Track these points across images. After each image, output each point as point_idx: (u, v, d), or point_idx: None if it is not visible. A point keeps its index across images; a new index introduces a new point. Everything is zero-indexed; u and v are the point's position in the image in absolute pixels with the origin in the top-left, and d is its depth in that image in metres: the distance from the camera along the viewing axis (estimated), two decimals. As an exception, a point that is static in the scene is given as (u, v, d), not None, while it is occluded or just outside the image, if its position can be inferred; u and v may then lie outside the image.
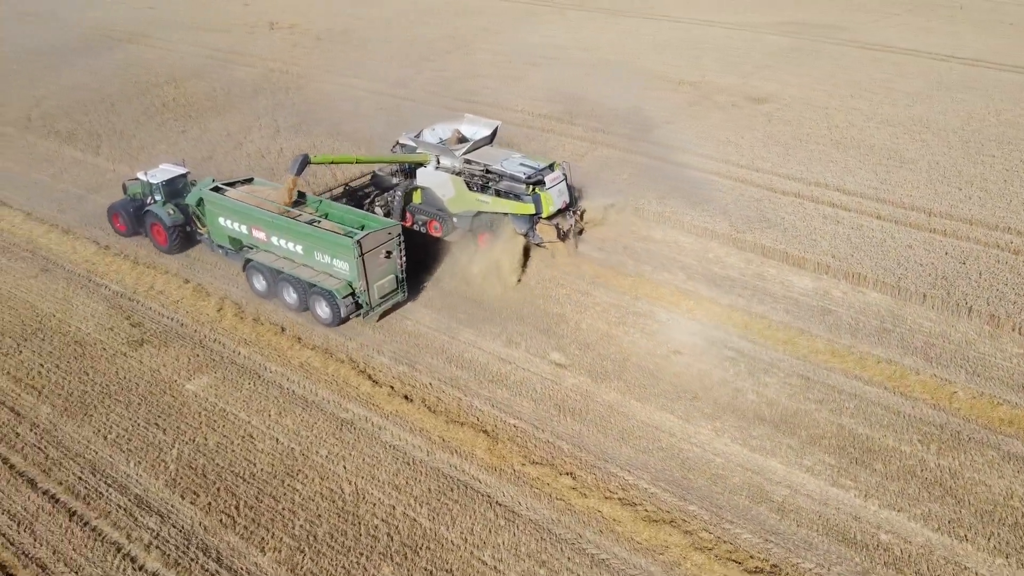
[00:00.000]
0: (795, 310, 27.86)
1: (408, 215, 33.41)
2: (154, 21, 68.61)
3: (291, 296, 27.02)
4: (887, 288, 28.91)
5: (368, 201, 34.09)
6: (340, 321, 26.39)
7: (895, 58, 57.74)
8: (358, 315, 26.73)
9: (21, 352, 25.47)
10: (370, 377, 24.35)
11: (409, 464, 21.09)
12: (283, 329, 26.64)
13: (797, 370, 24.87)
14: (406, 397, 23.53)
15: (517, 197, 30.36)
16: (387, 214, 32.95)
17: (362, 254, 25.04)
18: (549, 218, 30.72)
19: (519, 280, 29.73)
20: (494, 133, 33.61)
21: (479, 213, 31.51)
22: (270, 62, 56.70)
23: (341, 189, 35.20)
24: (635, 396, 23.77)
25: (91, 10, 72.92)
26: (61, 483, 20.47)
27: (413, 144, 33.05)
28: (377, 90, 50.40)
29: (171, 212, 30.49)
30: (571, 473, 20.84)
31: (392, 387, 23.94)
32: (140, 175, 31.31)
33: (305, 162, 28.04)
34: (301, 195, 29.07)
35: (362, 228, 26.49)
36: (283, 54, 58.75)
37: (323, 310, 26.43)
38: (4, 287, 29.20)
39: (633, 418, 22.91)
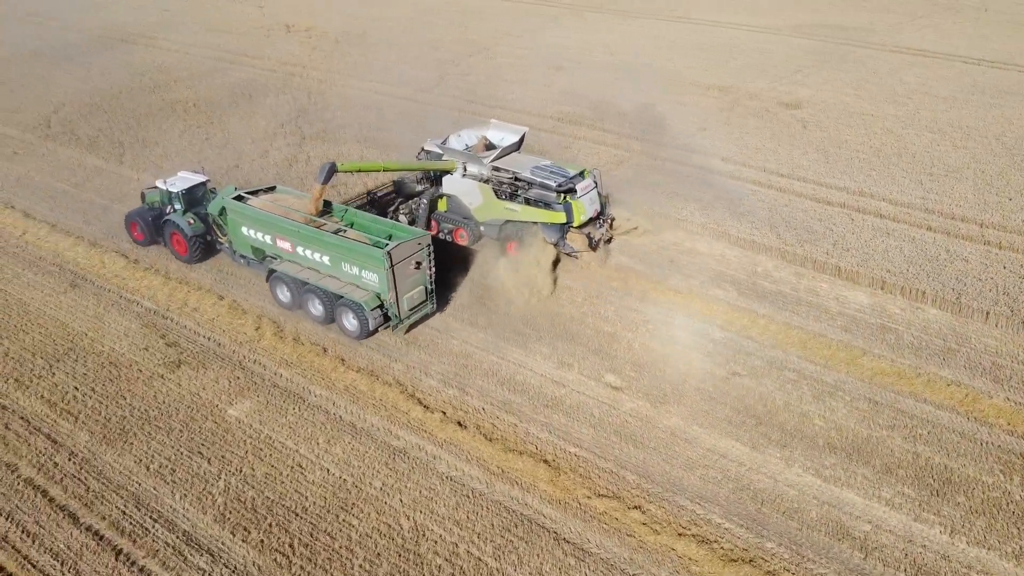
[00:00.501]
0: (853, 328, 26.83)
1: (433, 223, 32.56)
2: (167, 23, 67.63)
3: (317, 308, 26.24)
4: (947, 304, 27.88)
5: (392, 209, 33.26)
6: (368, 333, 25.52)
7: (925, 61, 56.68)
8: (386, 327, 25.95)
9: (54, 374, 24.48)
10: (420, 402, 23.34)
11: (468, 497, 20.08)
12: (325, 350, 25.63)
13: (863, 393, 23.84)
14: (459, 423, 22.52)
15: (548, 206, 29.46)
16: (411, 222, 32.17)
17: (392, 265, 24.28)
18: (580, 227, 29.88)
19: (551, 292, 28.87)
20: (522, 139, 32.72)
21: (507, 221, 30.66)
22: (290, 66, 55.70)
23: (365, 197, 34.19)
24: (697, 421, 22.76)
25: (100, 11, 71.93)
26: (104, 517, 19.48)
27: (439, 151, 32.12)
28: (400, 95, 49.37)
29: (191, 221, 29.68)
30: (639, 507, 19.83)
31: (444, 412, 22.93)
32: (159, 183, 30.51)
33: (332, 170, 27.09)
34: (327, 204, 28.24)
35: (390, 238, 25.68)
36: (302, 58, 57.76)
37: (350, 322, 25.58)
38: (33, 304, 28.22)
39: (698, 445, 21.90)
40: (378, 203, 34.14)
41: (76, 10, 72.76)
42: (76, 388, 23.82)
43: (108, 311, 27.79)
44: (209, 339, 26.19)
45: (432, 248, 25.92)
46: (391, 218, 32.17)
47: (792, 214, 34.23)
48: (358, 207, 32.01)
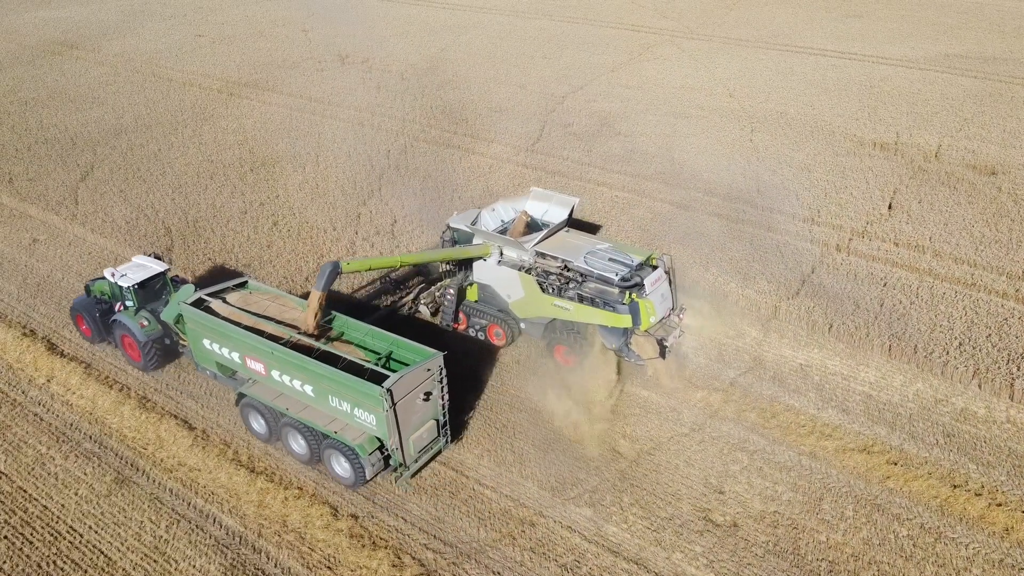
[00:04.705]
0: None
1: (462, 316, 26.59)
2: (204, 54, 59.16)
3: (299, 444, 20.91)
4: None
5: (412, 297, 27.72)
6: (365, 482, 20.12)
7: (1109, 105, 47.45)
8: (393, 472, 20.17)
9: None
10: None
11: None
12: (511, 629, 16.92)
13: None
14: None
15: (608, 305, 23.44)
16: (435, 313, 27.13)
17: (394, 404, 18.64)
18: (648, 329, 23.61)
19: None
20: (571, 213, 26.81)
21: (555, 318, 24.61)
22: (355, 111, 47.10)
23: (379, 281, 28.78)
24: None
25: (122, 36, 63.66)
26: None
27: (468, 230, 26.30)
28: (500, 155, 40.65)
29: (145, 323, 23.99)
30: None
31: None
32: (107, 274, 24.47)
33: (335, 273, 21.73)
34: (327, 313, 22.23)
35: (389, 358, 20.75)
36: (367, 99, 49.11)
37: (342, 467, 20.18)
38: (65, 516, 19.66)
39: None
40: (395, 288, 28.86)
41: (105, 37, 64.55)
42: None
43: (173, 534, 19.15)
44: (330, 601, 17.52)
45: (445, 371, 20.20)
46: (410, 308, 27.34)
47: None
48: (374, 293, 27.54)
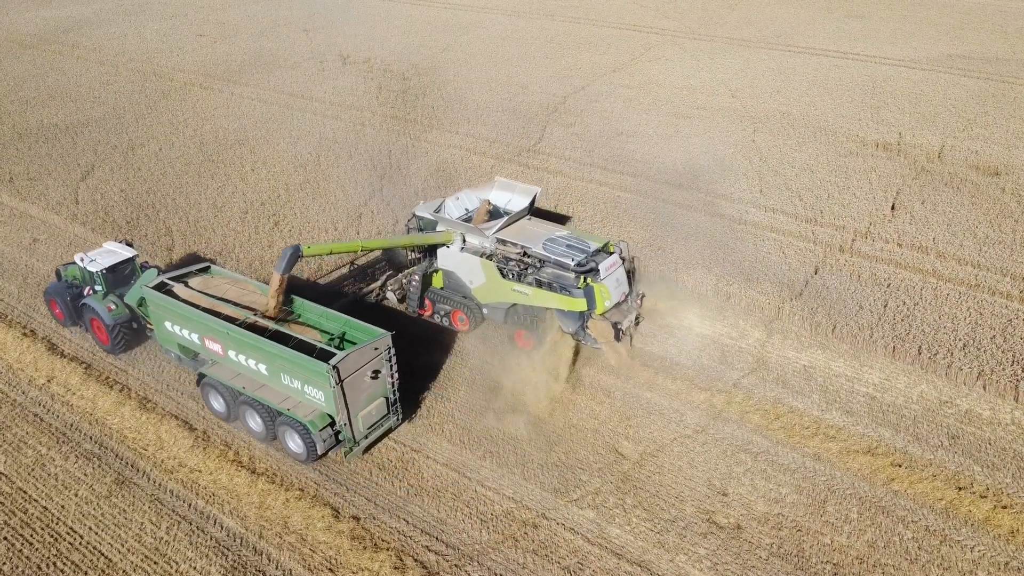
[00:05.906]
0: None
1: (428, 303, 27.25)
2: (208, 55, 59.06)
3: (255, 422, 21.71)
4: None
5: (380, 285, 28.23)
6: (317, 457, 20.89)
7: (1112, 106, 47.30)
8: (344, 449, 20.81)
9: None
10: None
11: None
12: (514, 632, 16.81)
13: None
14: None
15: (564, 289, 24.14)
16: (402, 299, 27.77)
17: (340, 381, 19.41)
18: (603, 312, 24.33)
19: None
20: (532, 202, 27.46)
21: (515, 304, 25.34)
22: (356, 111, 46.99)
23: (347, 267, 29.87)
24: None
25: (123, 38, 63.58)
26: None
27: (432, 218, 26.83)
28: (503, 156, 40.54)
29: (113, 306, 24.71)
30: None
31: None
32: (78, 259, 25.16)
33: (296, 256, 22.03)
34: (287, 297, 22.78)
35: (343, 339, 21.49)
36: (368, 99, 49.01)
37: (295, 443, 20.94)
38: (65, 518, 19.55)
39: None
40: (362, 276, 29.36)
41: (108, 38, 64.42)
42: None
43: (173, 535, 19.05)
44: (331, 603, 17.42)
45: (394, 351, 20.87)
46: (378, 295, 28.02)
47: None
48: (342, 280, 28.38)
